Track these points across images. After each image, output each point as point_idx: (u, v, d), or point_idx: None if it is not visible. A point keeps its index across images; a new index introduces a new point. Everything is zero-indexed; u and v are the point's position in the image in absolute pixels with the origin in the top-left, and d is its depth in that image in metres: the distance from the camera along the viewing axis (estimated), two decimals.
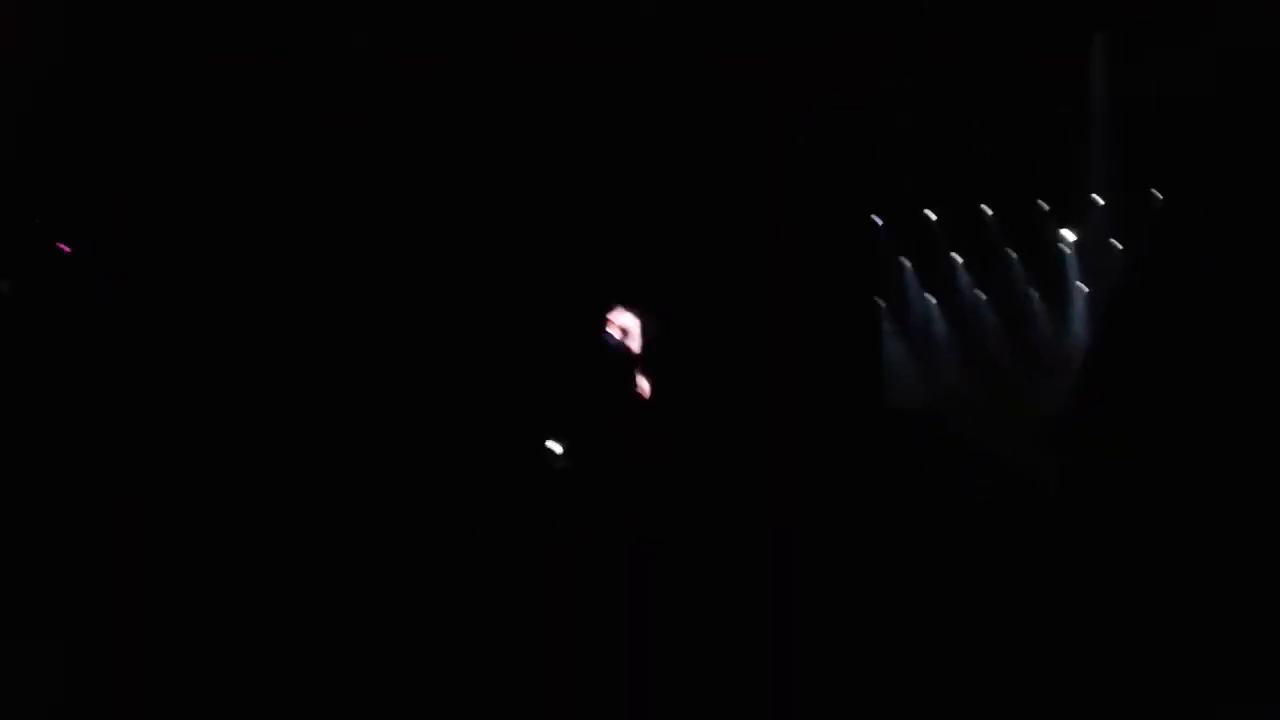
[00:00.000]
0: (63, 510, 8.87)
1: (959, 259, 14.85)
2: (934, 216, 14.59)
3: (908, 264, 14.86)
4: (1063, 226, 14.57)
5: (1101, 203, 14.32)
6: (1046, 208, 14.49)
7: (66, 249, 9.55)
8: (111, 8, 9.52)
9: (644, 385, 10.22)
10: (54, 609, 8.38)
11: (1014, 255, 14.71)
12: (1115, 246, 14.26)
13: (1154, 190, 13.69)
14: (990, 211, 14.57)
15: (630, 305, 10.39)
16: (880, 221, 14.42)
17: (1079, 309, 14.67)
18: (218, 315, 9.94)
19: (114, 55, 9.50)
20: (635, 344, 10.54)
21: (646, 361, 10.48)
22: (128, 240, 9.74)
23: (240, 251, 10.04)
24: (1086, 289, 14.60)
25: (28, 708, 7.95)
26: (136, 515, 8.89)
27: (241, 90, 9.91)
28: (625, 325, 10.51)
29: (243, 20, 9.92)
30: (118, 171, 9.69)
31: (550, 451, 11.02)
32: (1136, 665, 7.76)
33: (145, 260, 9.79)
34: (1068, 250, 14.62)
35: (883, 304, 14.78)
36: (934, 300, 15.04)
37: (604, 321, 10.40)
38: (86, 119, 9.49)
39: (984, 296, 14.92)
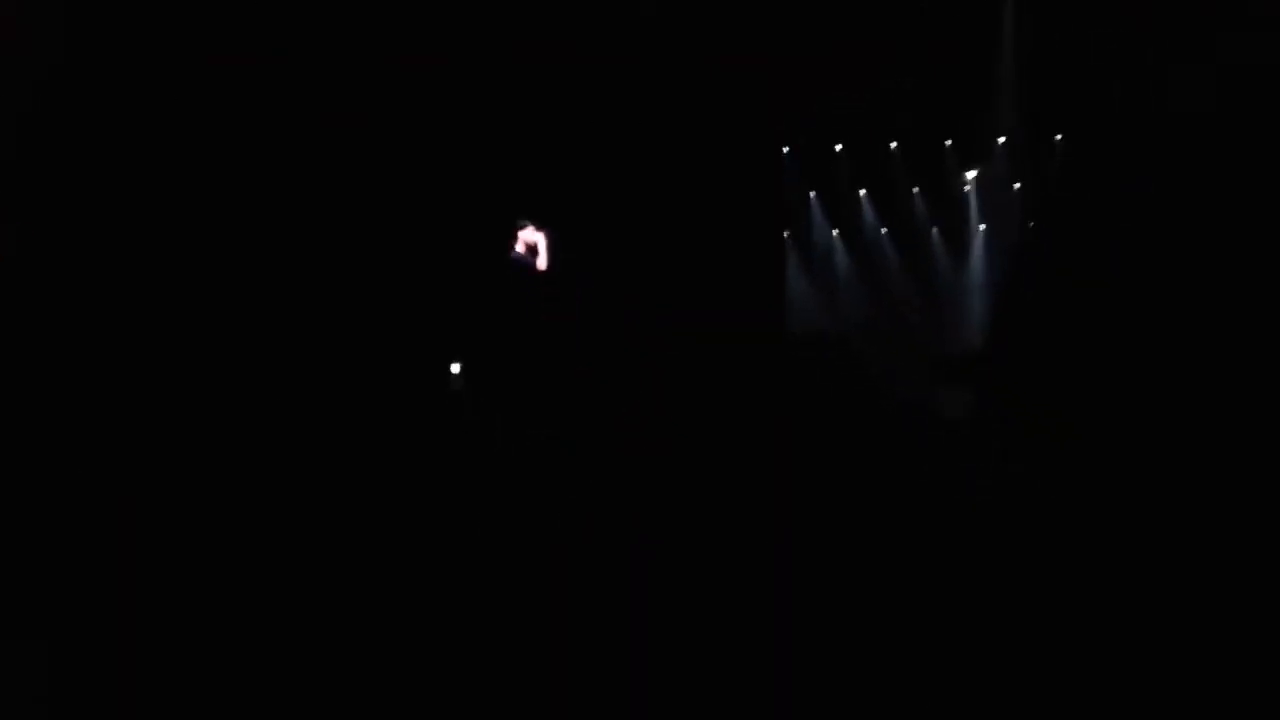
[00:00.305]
0: (61, 509, 8.81)
1: (864, 194, 15.21)
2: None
3: (814, 198, 15.21)
4: (966, 167, 15.00)
5: (1003, 144, 14.77)
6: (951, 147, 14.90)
7: None
8: (111, 8, 9.24)
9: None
10: (51, 609, 8.36)
11: (917, 193, 15.13)
12: (1014, 187, 14.78)
13: (1055, 135, 14.21)
14: (896, 149, 14.91)
15: (538, 223, 10.53)
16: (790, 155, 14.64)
17: (978, 247, 15.16)
18: (216, 313, 9.83)
19: (114, 55, 9.23)
20: (541, 262, 10.69)
21: (552, 279, 10.68)
22: (127, 240, 9.55)
23: (238, 250, 9.90)
24: (984, 227, 15.10)
25: (26, 708, 7.98)
26: (131, 512, 8.87)
27: (241, 90, 9.72)
28: (531, 242, 10.63)
29: (243, 20, 9.71)
30: (118, 171, 9.46)
31: (449, 372, 11.15)
32: (1039, 599, 8.16)
33: (144, 260, 9.62)
34: (969, 190, 15.08)
35: (788, 236, 15.13)
36: (837, 234, 15.42)
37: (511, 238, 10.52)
38: (86, 119, 9.24)
39: (886, 232, 15.34)
